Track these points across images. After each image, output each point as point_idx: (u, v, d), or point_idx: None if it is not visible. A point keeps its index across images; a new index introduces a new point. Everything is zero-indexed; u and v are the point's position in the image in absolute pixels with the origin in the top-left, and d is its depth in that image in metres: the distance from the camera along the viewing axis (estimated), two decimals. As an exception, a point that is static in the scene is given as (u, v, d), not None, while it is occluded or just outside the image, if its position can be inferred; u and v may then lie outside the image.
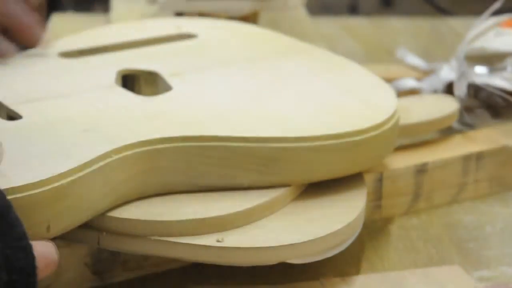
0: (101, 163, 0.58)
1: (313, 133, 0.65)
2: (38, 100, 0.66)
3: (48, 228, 0.55)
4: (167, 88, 0.71)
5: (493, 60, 0.91)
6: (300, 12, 1.20)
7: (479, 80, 0.89)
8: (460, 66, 0.90)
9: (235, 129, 0.64)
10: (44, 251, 0.53)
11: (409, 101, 0.83)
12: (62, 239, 0.60)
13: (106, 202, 0.59)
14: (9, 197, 0.52)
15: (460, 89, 0.89)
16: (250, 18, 1.06)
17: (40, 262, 0.51)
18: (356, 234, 0.65)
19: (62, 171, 0.56)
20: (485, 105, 0.89)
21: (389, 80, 0.89)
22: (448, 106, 0.82)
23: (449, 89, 0.90)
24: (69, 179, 0.56)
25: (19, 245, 0.50)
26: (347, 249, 0.64)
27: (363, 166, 0.69)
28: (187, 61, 0.77)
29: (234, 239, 0.60)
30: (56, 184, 0.55)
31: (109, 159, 0.59)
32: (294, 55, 0.80)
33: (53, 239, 0.56)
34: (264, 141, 0.64)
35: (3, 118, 0.65)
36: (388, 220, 0.76)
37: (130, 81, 0.74)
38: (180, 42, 0.81)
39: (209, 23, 0.88)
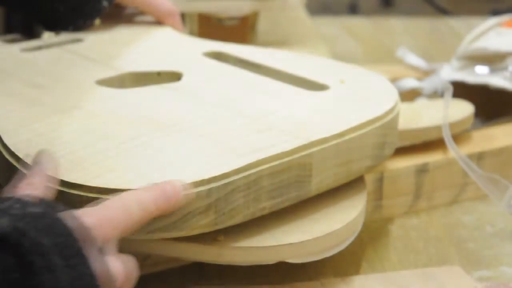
0: None
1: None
2: None
3: None
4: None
5: (493, 60, 0.91)
6: (300, 12, 1.20)
7: (479, 80, 0.89)
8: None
9: None
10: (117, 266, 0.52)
11: (421, 105, 0.83)
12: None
13: None
14: None
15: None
16: (250, 18, 1.06)
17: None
18: (355, 234, 0.65)
19: None
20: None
21: (389, 80, 0.89)
22: (463, 110, 0.82)
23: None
24: None
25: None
26: (347, 249, 0.64)
27: None
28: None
29: (234, 238, 0.60)
30: None
31: None
32: None
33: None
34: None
35: None
36: (388, 220, 0.76)
37: None
38: (294, 88, 0.74)
39: (371, 81, 0.77)
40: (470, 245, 0.73)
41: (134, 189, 0.56)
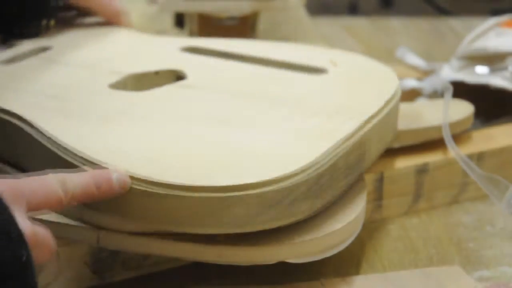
0: None
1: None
2: None
3: None
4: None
5: (493, 60, 0.91)
6: (300, 12, 1.20)
7: (479, 80, 0.89)
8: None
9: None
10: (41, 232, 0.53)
11: (421, 105, 0.83)
12: (62, 238, 0.60)
13: None
14: None
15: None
16: (250, 18, 1.06)
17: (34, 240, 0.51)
18: (355, 234, 0.65)
19: None
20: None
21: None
22: (463, 110, 0.82)
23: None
24: None
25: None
26: (347, 249, 0.64)
27: None
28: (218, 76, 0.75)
29: (234, 238, 0.60)
30: None
31: None
32: None
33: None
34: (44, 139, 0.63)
35: None
36: (388, 220, 0.76)
37: None
38: (298, 73, 0.76)
39: (364, 62, 0.79)
40: (470, 245, 0.73)
41: (63, 172, 0.57)
